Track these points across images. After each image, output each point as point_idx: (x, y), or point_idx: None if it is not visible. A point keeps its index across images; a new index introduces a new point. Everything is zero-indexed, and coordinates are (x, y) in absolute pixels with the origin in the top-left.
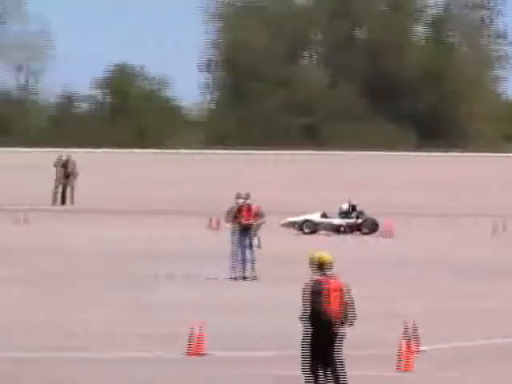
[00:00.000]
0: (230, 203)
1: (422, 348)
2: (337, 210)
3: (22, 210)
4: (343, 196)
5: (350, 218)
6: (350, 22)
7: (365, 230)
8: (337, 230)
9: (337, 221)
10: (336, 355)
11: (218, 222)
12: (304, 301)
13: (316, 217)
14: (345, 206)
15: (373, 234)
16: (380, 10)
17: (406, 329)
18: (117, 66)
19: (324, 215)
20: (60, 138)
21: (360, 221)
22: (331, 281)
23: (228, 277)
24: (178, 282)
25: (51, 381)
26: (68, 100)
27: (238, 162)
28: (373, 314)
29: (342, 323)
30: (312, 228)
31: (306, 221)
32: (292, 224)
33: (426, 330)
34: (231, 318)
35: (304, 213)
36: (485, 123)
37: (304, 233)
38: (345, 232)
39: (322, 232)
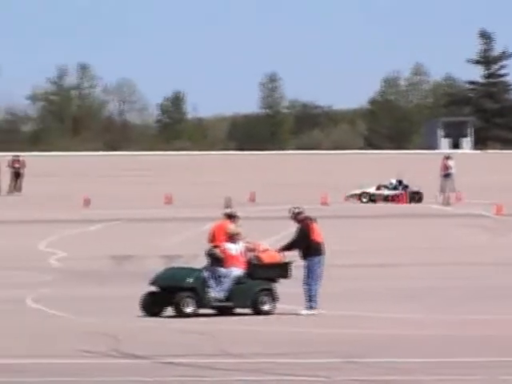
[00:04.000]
0: None
1: None
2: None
3: None
4: None
5: (397, 189)
6: None
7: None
8: (386, 199)
9: (387, 192)
10: None
11: None
12: None
13: (372, 189)
14: (393, 181)
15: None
16: None
17: None
18: None
19: (378, 188)
20: None
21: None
22: None
23: None
24: None
25: None
26: None
27: None
28: None
29: None
30: (368, 198)
31: (364, 193)
32: (352, 196)
33: None
34: None
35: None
36: None
37: (362, 202)
38: (393, 201)
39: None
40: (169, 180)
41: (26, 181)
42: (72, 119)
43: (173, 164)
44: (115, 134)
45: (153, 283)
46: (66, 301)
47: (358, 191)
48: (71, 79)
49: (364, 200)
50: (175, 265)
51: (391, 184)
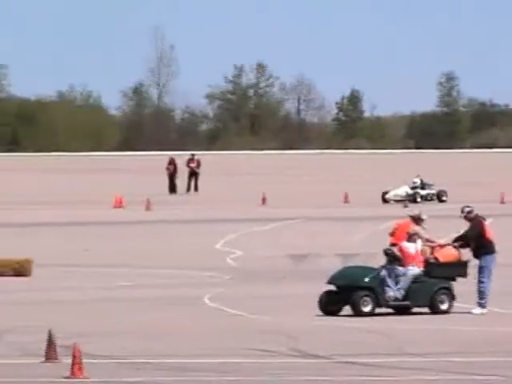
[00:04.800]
0: None
1: None
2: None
3: None
4: None
5: (426, 189)
6: None
7: (443, 198)
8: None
9: (423, 192)
10: None
11: None
12: None
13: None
14: (417, 181)
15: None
16: None
17: None
18: None
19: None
20: None
21: (434, 191)
22: None
23: None
24: None
25: None
26: None
27: None
28: None
29: None
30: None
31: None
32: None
33: None
34: None
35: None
36: None
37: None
38: (429, 200)
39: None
40: (346, 178)
41: (202, 180)
42: (249, 118)
43: (350, 162)
44: (292, 133)
45: (330, 282)
46: (243, 300)
47: (399, 191)
48: (248, 78)
49: (418, 200)
50: (352, 264)
51: (414, 183)
